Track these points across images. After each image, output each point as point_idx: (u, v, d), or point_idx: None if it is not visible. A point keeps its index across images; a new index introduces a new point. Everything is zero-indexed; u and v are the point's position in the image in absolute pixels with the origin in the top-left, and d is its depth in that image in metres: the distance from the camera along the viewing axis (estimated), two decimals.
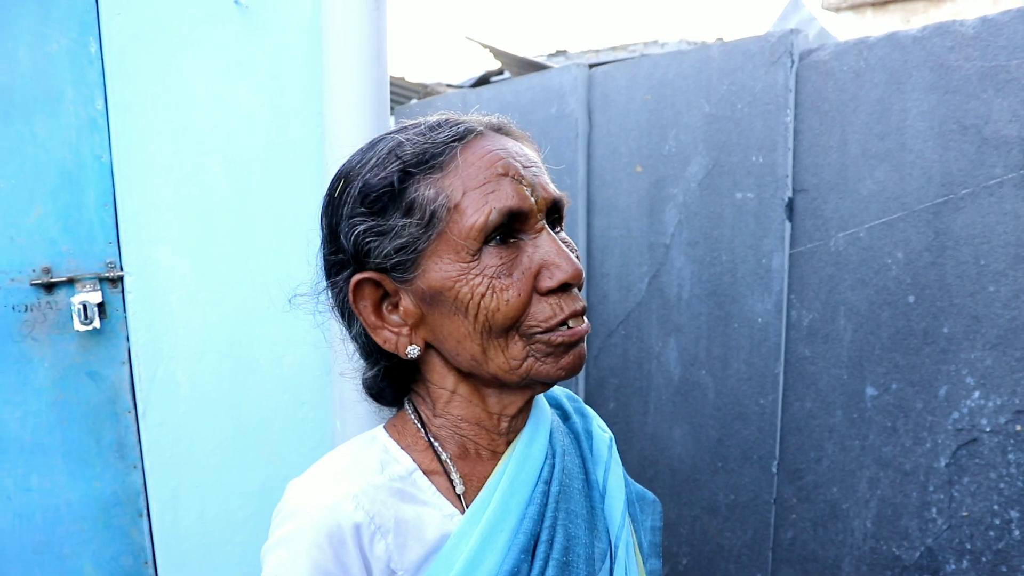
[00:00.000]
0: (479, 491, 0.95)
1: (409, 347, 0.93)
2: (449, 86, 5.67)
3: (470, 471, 0.97)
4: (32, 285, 2.09)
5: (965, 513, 2.27)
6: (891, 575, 2.44)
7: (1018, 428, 2.15)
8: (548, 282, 0.88)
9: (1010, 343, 2.15)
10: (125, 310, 2.18)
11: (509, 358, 0.90)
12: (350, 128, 2.16)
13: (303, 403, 2.34)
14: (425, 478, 0.95)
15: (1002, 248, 2.14)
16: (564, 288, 0.90)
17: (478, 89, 3.96)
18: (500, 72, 5.64)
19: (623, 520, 1.06)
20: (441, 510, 0.93)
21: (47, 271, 2.10)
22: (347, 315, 0.98)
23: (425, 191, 0.87)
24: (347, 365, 1.08)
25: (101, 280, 2.15)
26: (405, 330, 0.93)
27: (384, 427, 1.01)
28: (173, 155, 2.17)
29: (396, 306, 0.93)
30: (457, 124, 0.91)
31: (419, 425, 0.99)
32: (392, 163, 0.88)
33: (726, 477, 2.88)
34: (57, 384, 2.15)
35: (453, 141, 0.89)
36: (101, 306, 2.14)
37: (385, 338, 0.93)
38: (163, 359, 2.21)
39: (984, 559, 2.24)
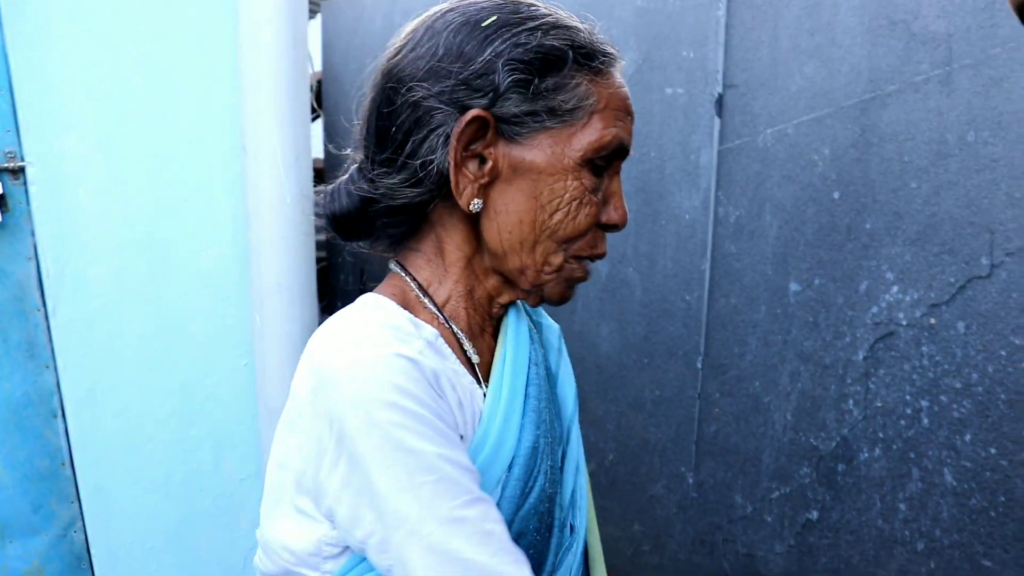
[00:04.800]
0: (488, 365, 0.99)
1: (475, 200, 0.92)
2: None
3: (475, 345, 1.00)
4: None
5: (879, 404, 2.34)
6: (808, 464, 2.53)
7: (932, 322, 2.21)
8: (605, 219, 0.96)
9: (928, 239, 2.19)
10: (28, 203, 2.06)
11: (542, 263, 0.94)
12: (267, 12, 2.08)
13: (223, 298, 2.27)
14: (446, 345, 0.94)
15: (925, 145, 2.16)
16: (609, 228, 0.97)
17: None
18: None
19: (575, 405, 1.12)
20: (468, 378, 0.94)
21: None
22: (420, 139, 0.92)
23: (581, 85, 0.91)
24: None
25: (0, 171, 2.03)
26: (480, 183, 0.92)
27: (383, 296, 0.96)
28: (76, 38, 2.04)
29: (481, 160, 0.92)
30: (604, 41, 0.95)
31: (423, 296, 0.97)
32: (566, 41, 0.90)
33: (652, 373, 2.93)
34: None
35: (610, 55, 0.94)
36: (2, 199, 2.03)
37: (459, 180, 0.91)
38: (72, 255, 2.11)
39: (895, 447, 2.32)
